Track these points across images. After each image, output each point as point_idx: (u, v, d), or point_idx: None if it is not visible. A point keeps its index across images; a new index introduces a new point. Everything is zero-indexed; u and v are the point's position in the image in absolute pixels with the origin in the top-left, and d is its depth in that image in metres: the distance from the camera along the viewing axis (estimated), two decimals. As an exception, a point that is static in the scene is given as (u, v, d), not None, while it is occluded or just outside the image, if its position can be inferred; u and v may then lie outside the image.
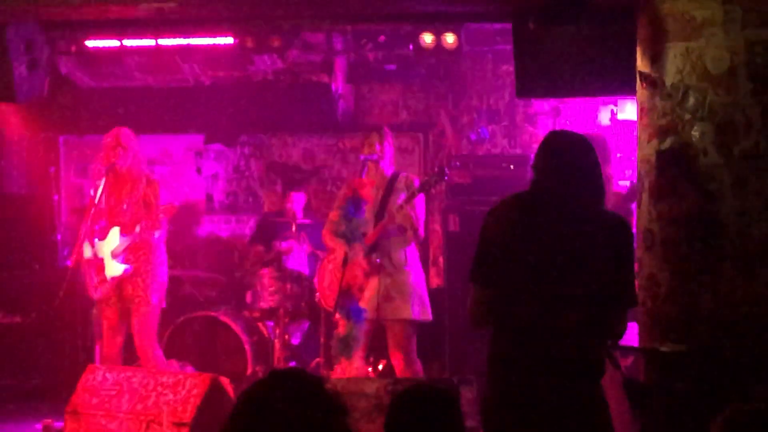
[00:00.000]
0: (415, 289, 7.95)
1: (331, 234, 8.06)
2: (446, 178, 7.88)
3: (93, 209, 8.04)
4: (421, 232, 8.01)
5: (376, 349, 8.21)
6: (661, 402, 5.89)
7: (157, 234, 8.10)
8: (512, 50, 7.25)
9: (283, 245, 9.40)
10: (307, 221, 9.33)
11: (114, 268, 8.04)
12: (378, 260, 7.83)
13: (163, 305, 8.24)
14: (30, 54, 7.78)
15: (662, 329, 5.83)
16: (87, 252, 8.10)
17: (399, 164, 8.31)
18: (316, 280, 8.48)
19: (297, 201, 9.62)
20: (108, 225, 8.13)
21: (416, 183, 8.00)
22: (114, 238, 8.07)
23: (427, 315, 7.98)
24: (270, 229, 9.67)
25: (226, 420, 3.21)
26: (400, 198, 7.89)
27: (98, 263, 8.08)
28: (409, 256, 7.95)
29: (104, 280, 8.06)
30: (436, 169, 7.97)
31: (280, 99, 10.15)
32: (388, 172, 8.03)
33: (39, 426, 8.12)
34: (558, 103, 9.24)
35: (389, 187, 7.99)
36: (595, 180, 4.72)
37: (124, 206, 8.14)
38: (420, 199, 7.99)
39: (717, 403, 3.83)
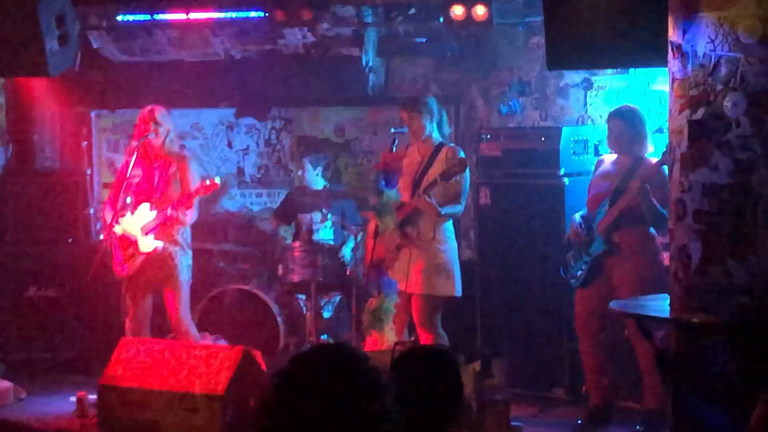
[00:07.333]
0: (445, 264, 7.86)
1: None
2: (466, 167, 7.71)
3: (124, 183, 8.08)
4: (461, 207, 7.93)
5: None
6: (692, 374, 5.88)
7: (188, 214, 8.09)
8: (543, 22, 7.21)
9: (306, 218, 9.38)
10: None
11: (146, 243, 8.05)
12: (415, 233, 7.77)
13: (191, 280, 8.27)
14: (61, 28, 7.81)
15: (694, 300, 5.82)
16: (116, 228, 8.12)
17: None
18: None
19: (308, 170, 9.57)
20: (137, 200, 8.14)
21: (458, 155, 7.88)
22: (144, 214, 8.09)
23: (452, 290, 7.87)
24: (295, 204, 9.64)
25: (263, 392, 3.21)
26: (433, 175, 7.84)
27: (126, 239, 8.11)
28: (440, 231, 7.86)
29: (131, 255, 8.07)
30: (457, 160, 7.77)
31: (311, 72, 10.15)
32: (436, 141, 7.97)
33: (73, 398, 8.18)
34: (589, 75, 9.18)
35: (431, 158, 7.91)
36: None
37: (155, 182, 8.16)
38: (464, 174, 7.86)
39: (751, 376, 3.82)
